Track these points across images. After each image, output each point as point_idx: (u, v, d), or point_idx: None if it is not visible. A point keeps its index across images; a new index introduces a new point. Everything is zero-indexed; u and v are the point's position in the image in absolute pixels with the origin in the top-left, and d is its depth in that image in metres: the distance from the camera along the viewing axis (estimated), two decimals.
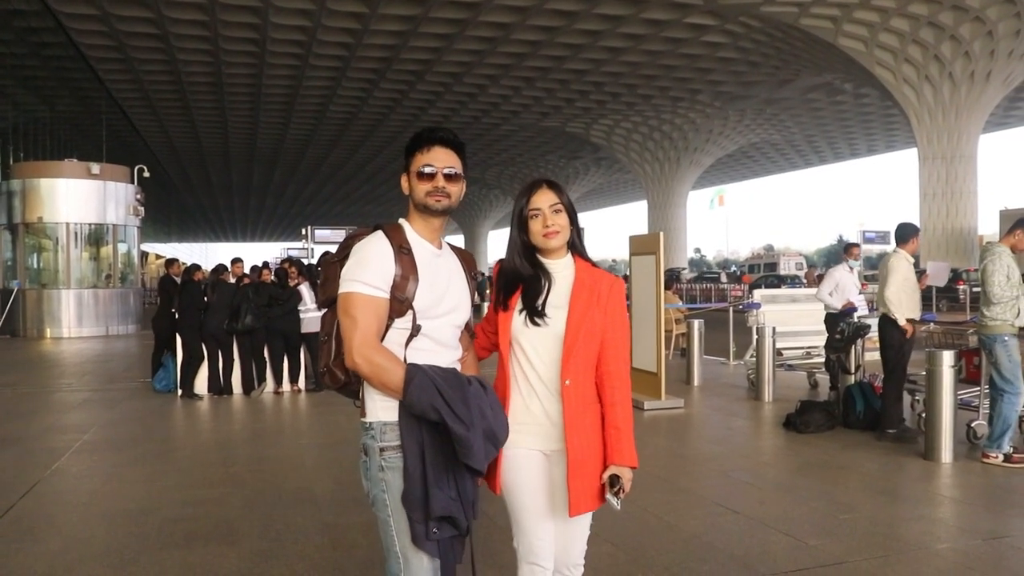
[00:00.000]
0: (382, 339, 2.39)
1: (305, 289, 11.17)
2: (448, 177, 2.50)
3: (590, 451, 2.59)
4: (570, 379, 2.57)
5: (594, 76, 35.21)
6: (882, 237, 43.53)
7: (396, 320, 2.41)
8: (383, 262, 2.39)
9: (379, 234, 2.46)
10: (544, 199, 2.64)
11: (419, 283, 2.42)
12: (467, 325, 2.67)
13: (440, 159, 2.50)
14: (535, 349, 2.62)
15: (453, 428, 2.26)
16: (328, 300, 2.54)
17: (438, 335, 2.49)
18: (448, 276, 2.55)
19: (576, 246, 2.72)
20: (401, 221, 2.57)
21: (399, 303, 2.40)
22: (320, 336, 2.56)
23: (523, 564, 2.64)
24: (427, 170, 2.49)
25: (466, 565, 2.60)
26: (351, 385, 2.51)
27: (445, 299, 2.50)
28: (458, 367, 2.55)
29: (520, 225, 2.68)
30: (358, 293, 2.36)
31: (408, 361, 2.38)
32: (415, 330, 2.42)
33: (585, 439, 2.58)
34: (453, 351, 2.57)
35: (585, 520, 2.71)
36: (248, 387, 10.89)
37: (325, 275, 2.57)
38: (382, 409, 2.40)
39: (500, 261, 2.79)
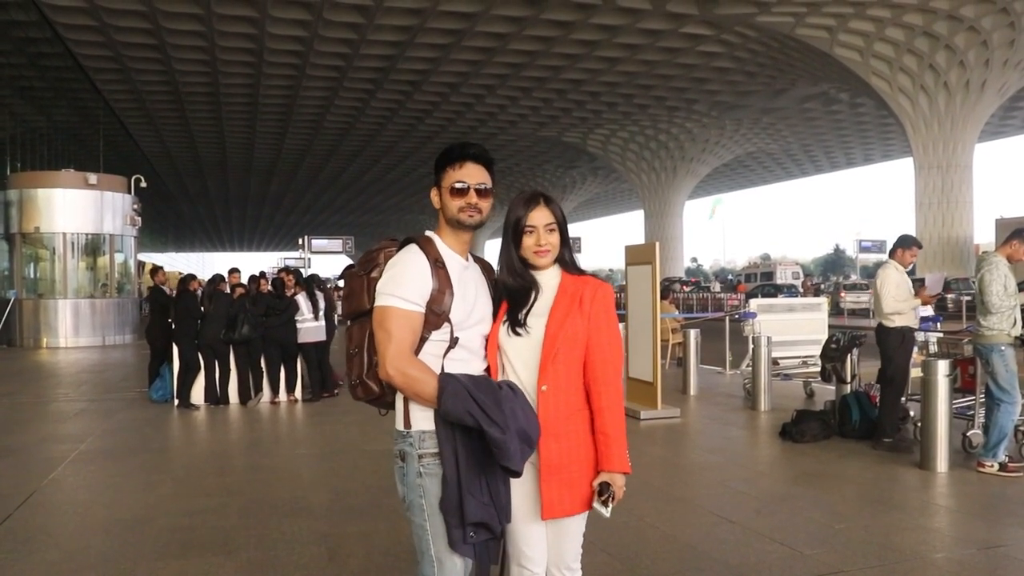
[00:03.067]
0: (418, 352, 2.44)
1: (302, 299, 11.18)
2: (480, 193, 2.56)
3: (570, 457, 2.59)
4: (547, 385, 2.58)
5: (591, 86, 35.30)
6: (878, 246, 43.73)
7: (433, 333, 2.46)
8: (420, 277, 2.44)
9: (415, 248, 2.51)
10: (541, 217, 2.66)
11: (454, 297, 2.47)
12: None
13: (472, 175, 2.56)
14: (520, 357, 2.64)
15: (489, 432, 2.31)
16: (353, 313, 2.59)
17: (470, 345, 2.56)
18: (476, 287, 2.61)
19: (564, 260, 2.73)
20: (429, 234, 2.61)
21: (436, 316, 2.45)
22: (350, 349, 2.59)
23: (513, 566, 2.68)
24: (460, 186, 2.54)
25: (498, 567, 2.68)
26: (385, 397, 2.56)
27: (475, 310, 2.56)
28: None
29: (514, 237, 2.68)
30: (394, 307, 2.41)
31: (445, 371, 2.44)
32: (453, 342, 2.48)
33: (564, 445, 2.58)
34: (482, 360, 2.63)
35: (576, 523, 2.69)
36: (244, 397, 10.88)
37: (350, 288, 2.61)
38: (422, 418, 2.46)
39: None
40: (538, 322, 2.62)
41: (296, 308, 11.07)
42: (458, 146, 2.59)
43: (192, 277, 11.44)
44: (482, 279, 2.68)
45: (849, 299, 33.39)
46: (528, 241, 2.65)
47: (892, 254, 8.09)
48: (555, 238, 2.67)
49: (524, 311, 2.64)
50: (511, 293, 2.68)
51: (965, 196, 31.10)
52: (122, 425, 9.53)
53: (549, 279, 2.70)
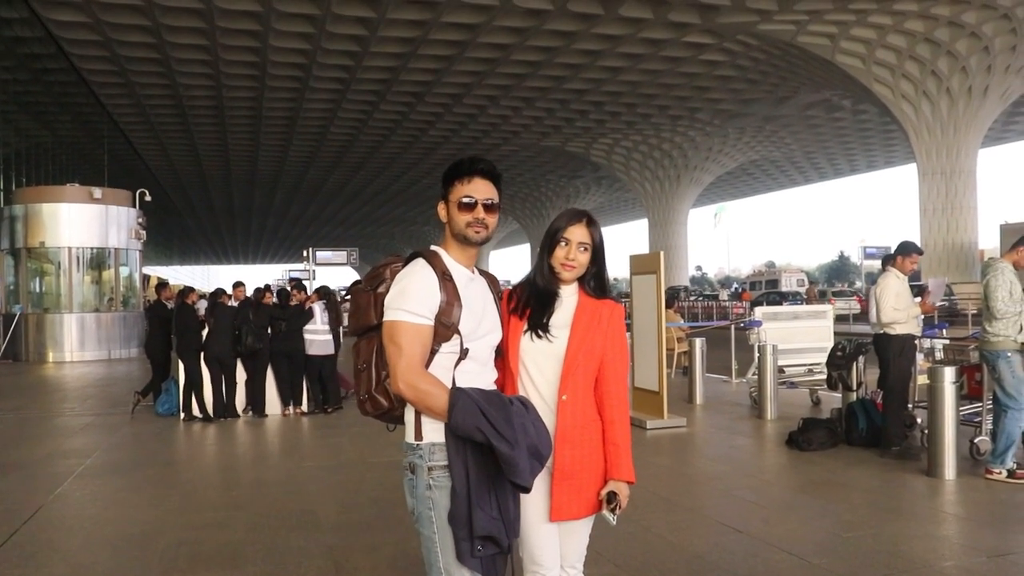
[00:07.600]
0: (429, 364, 2.45)
1: (318, 308, 11.16)
2: (487, 208, 2.58)
3: (582, 464, 2.68)
4: (567, 395, 2.67)
5: (594, 96, 35.38)
6: (883, 253, 43.64)
7: (443, 345, 2.47)
8: (429, 291, 2.45)
9: (422, 262, 2.52)
10: (578, 234, 2.73)
11: (462, 309, 2.49)
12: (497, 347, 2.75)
13: (480, 190, 2.58)
14: (537, 366, 2.71)
15: (498, 447, 2.32)
16: (360, 328, 2.60)
17: (480, 356, 2.57)
18: (483, 299, 2.62)
19: (588, 284, 2.78)
20: (435, 248, 2.63)
21: (445, 328, 2.46)
22: (358, 365, 2.60)
23: (527, 572, 2.74)
24: (467, 201, 2.55)
25: None
26: (394, 411, 2.56)
27: (483, 322, 2.57)
28: (494, 387, 2.63)
29: (549, 246, 2.76)
30: (404, 321, 2.42)
31: (456, 383, 2.45)
32: (463, 354, 2.50)
33: (578, 452, 2.67)
34: (491, 371, 2.65)
35: (582, 526, 2.78)
36: (256, 410, 10.89)
37: (356, 303, 2.61)
38: (432, 431, 2.47)
39: (510, 289, 2.87)
40: (561, 333, 2.70)
41: (311, 316, 11.07)
42: (467, 160, 2.61)
43: (190, 290, 11.43)
44: (488, 291, 2.69)
45: (839, 305, 33.26)
46: (559, 252, 2.74)
47: (892, 261, 8.02)
48: (584, 258, 2.73)
49: (546, 318, 2.72)
50: (538, 294, 2.74)
51: (969, 202, 31.11)
52: (128, 439, 9.54)
53: (567, 294, 2.78)
